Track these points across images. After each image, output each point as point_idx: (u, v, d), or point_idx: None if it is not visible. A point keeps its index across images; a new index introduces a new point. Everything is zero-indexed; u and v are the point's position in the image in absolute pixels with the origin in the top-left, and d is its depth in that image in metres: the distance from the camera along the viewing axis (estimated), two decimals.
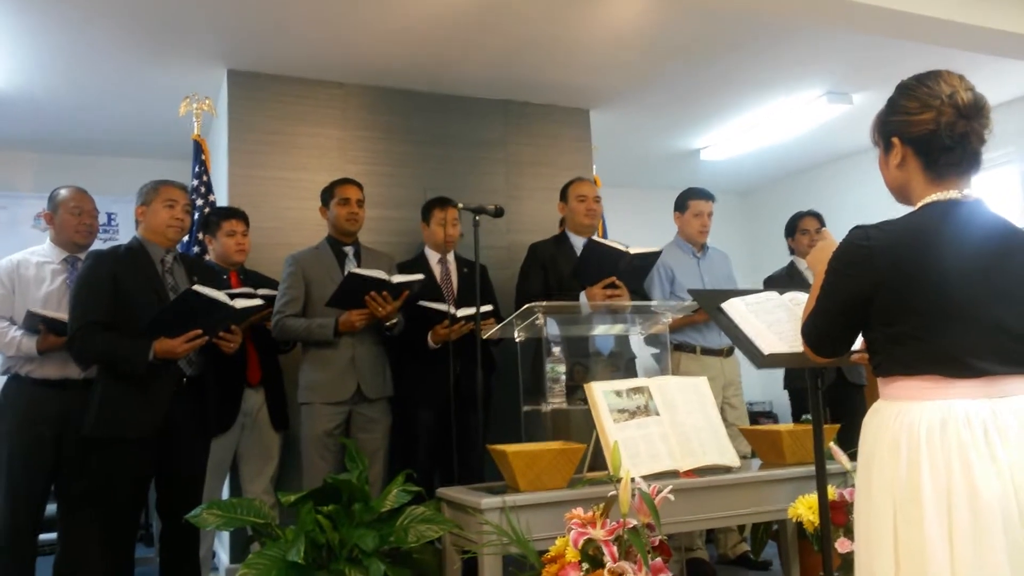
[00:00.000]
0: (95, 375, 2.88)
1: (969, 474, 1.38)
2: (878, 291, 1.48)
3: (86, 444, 2.77)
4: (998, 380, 1.44)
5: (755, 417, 5.70)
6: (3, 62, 3.96)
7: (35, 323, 3.11)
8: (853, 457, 2.61)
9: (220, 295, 2.74)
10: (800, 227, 4.29)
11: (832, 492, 2.40)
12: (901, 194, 1.62)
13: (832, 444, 2.65)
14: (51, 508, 3.28)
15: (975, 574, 1.35)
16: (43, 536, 3.27)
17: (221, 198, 4.21)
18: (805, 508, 2.45)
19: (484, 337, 3.22)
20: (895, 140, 1.57)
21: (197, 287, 2.68)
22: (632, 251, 3.39)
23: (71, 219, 3.31)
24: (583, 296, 3.43)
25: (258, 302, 3.04)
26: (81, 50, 3.89)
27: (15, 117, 4.68)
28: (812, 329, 1.62)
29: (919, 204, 1.56)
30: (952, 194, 1.53)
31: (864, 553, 1.50)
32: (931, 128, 1.51)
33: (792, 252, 4.35)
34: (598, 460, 2.59)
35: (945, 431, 1.41)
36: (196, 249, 3.90)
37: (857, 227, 1.54)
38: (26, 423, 3.13)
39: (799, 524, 2.53)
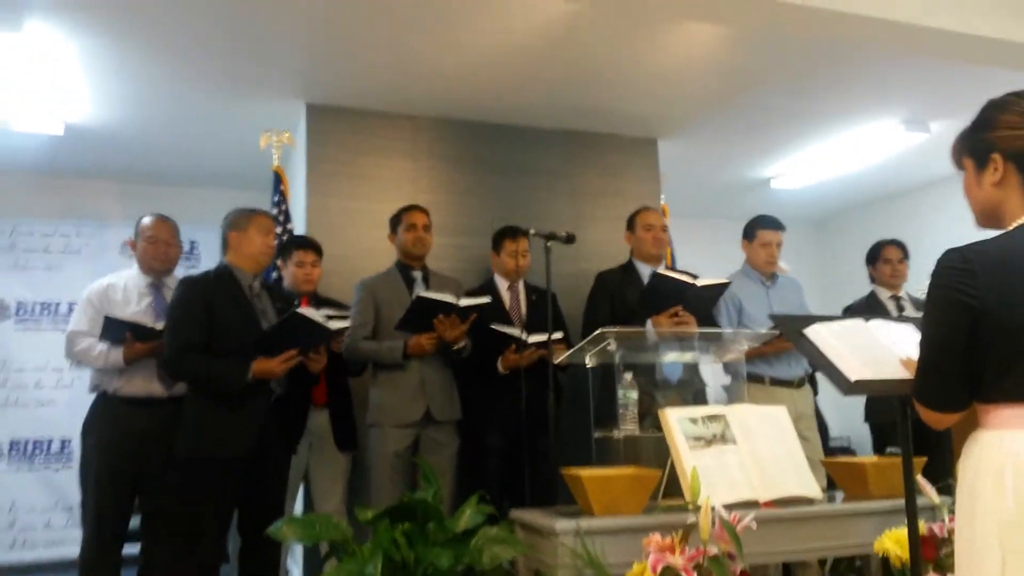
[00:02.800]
0: (183, 394, 2.98)
1: None
2: (981, 316, 1.42)
3: (176, 462, 2.85)
4: None
5: (832, 452, 5.51)
6: (92, 97, 4.20)
7: (119, 332, 3.23)
8: (940, 491, 2.52)
9: (320, 317, 2.84)
10: (883, 256, 4.17)
11: (921, 526, 2.30)
12: (990, 215, 1.56)
13: (919, 477, 2.54)
14: (135, 522, 3.39)
15: None
16: (127, 549, 3.37)
17: (299, 227, 4.35)
18: (892, 542, 2.35)
19: (555, 363, 3.22)
20: (995, 156, 1.52)
21: (301, 310, 2.79)
22: (699, 283, 3.37)
23: (148, 247, 3.46)
24: (649, 324, 3.41)
25: (346, 324, 3.13)
26: (167, 85, 4.10)
27: (103, 149, 4.94)
28: (922, 382, 1.54)
29: (1014, 224, 1.50)
30: None
31: None
32: None
33: (872, 281, 4.23)
34: (672, 488, 2.55)
35: None
36: (275, 275, 4.03)
37: (951, 250, 1.48)
38: (114, 439, 3.24)
39: (885, 559, 2.43)
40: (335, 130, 4.40)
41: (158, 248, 3.47)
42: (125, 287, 3.47)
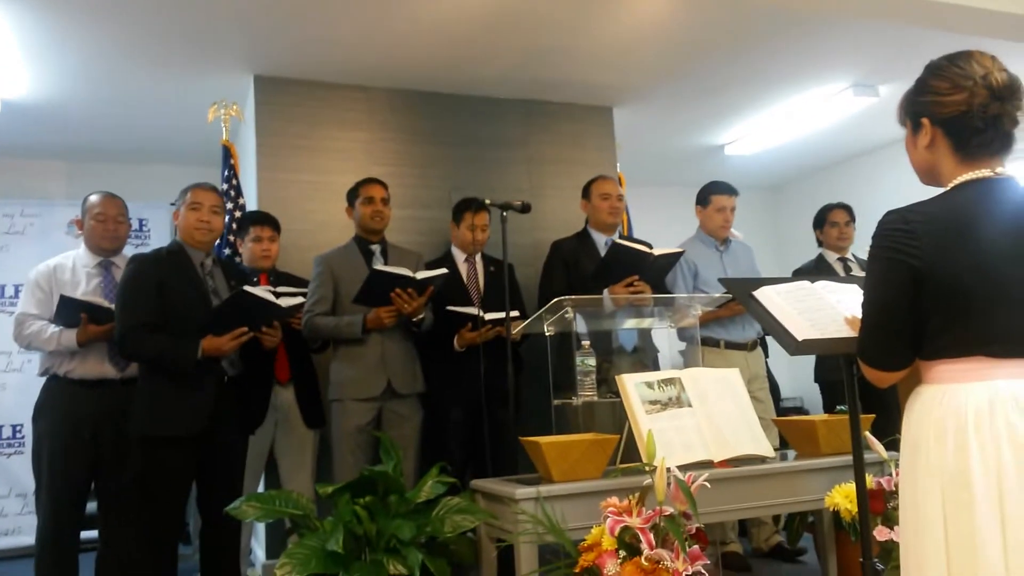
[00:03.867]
0: (137, 374, 2.94)
1: (1020, 456, 1.36)
2: (922, 275, 1.45)
3: (130, 442, 2.82)
4: None
5: (785, 412, 5.62)
6: (32, 72, 4.05)
7: (73, 314, 3.16)
8: (887, 447, 2.61)
9: (269, 295, 2.81)
10: (829, 219, 4.26)
11: (869, 481, 2.38)
12: (929, 175, 1.60)
13: (867, 434, 2.63)
14: (91, 506, 3.35)
15: None
16: (85, 534, 3.33)
17: (251, 202, 4.27)
18: (842, 497, 2.44)
19: (511, 338, 3.22)
20: (924, 121, 1.55)
21: (248, 288, 2.74)
22: (656, 252, 3.40)
23: (96, 225, 3.37)
24: (606, 293, 3.44)
25: (300, 300, 3.09)
26: (110, 59, 3.97)
27: (46, 126, 4.78)
28: (866, 342, 1.56)
29: (951, 184, 1.53)
30: (984, 172, 1.51)
31: (912, 539, 1.48)
32: (963, 109, 1.49)
33: (820, 244, 4.32)
34: (630, 453, 2.59)
35: (993, 413, 1.39)
36: (227, 251, 3.96)
37: (891, 211, 1.51)
38: (66, 422, 3.18)
39: (835, 513, 2.51)
40: (285, 102, 4.31)
41: (107, 226, 3.38)
42: (73, 267, 3.38)
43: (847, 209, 4.27)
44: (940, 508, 1.41)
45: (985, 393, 1.41)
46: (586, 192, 3.95)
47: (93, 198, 3.42)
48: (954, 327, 1.45)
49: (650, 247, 3.48)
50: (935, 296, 1.45)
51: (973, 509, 1.37)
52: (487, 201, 3.33)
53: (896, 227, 1.48)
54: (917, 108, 1.57)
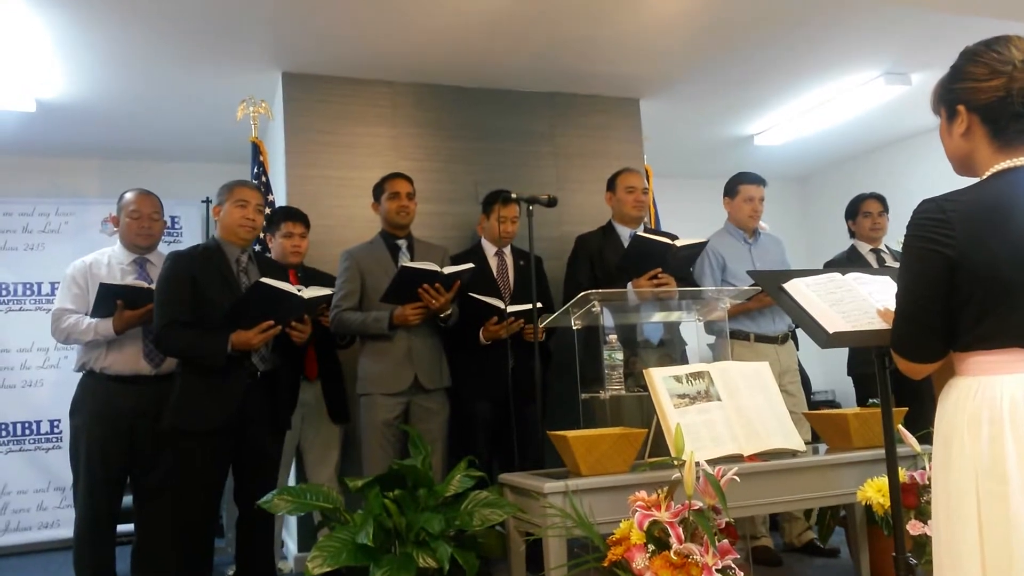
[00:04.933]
0: (173, 370, 2.99)
1: None
2: (958, 265, 1.42)
3: (163, 436, 2.87)
4: None
5: (817, 406, 5.58)
6: (65, 72, 4.12)
7: (111, 302, 3.20)
8: (921, 440, 2.57)
9: (287, 286, 2.83)
10: (862, 210, 4.17)
11: (902, 474, 2.35)
12: (964, 164, 1.57)
13: (900, 427, 2.59)
14: (128, 500, 3.41)
15: None
16: (121, 527, 3.40)
17: (280, 198, 4.32)
18: (874, 491, 2.40)
19: (537, 332, 3.21)
20: (960, 108, 1.52)
21: (264, 279, 2.76)
22: (679, 243, 3.38)
23: (131, 223, 3.43)
24: (630, 286, 3.42)
25: (326, 291, 3.11)
26: (141, 58, 4.02)
27: (79, 125, 4.86)
28: (901, 334, 1.53)
29: (987, 173, 1.50)
30: (1022, 160, 1.47)
31: (944, 531, 1.46)
32: (1000, 95, 1.45)
33: (852, 235, 4.24)
34: (659, 447, 2.58)
35: None
36: (258, 247, 4.01)
37: (926, 200, 1.48)
38: (102, 417, 3.25)
39: (868, 508, 2.48)
40: (313, 98, 4.34)
41: (141, 224, 3.44)
42: (108, 264, 3.45)
43: (880, 199, 4.20)
44: (974, 501, 1.39)
45: (1021, 384, 1.39)
46: (611, 184, 3.93)
47: (128, 195, 3.48)
48: (989, 318, 1.42)
49: (675, 239, 3.45)
50: (970, 287, 1.43)
51: (1008, 501, 1.35)
52: (513, 194, 3.33)
53: (931, 216, 1.46)
54: (953, 95, 1.53)
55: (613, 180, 3.93)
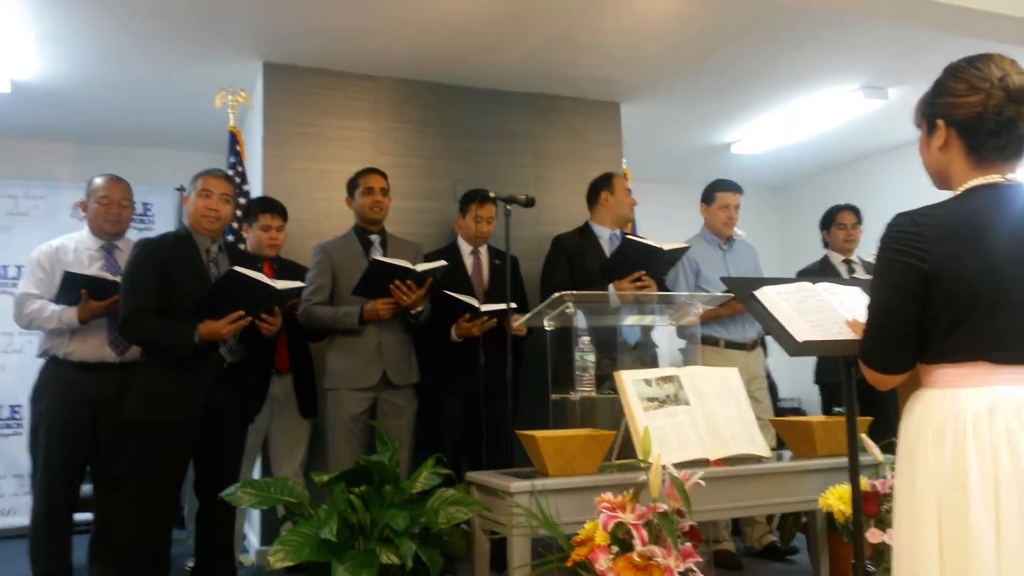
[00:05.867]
0: (138, 358, 2.94)
1: (1018, 462, 1.36)
2: (930, 278, 1.44)
3: (126, 426, 2.83)
4: None
5: (783, 413, 5.63)
6: (42, 54, 4.05)
7: (75, 290, 3.16)
8: (884, 450, 2.60)
9: (260, 276, 2.80)
10: (837, 221, 4.22)
11: (864, 483, 2.38)
12: (940, 178, 1.59)
13: (864, 436, 2.62)
14: (87, 488, 3.36)
15: (1021, 563, 1.33)
16: (79, 516, 3.34)
17: (256, 189, 4.27)
18: (836, 498, 2.43)
19: (511, 331, 3.21)
20: (939, 122, 1.54)
21: (238, 268, 2.72)
22: (665, 247, 3.40)
23: (100, 208, 3.38)
24: (611, 288, 3.43)
25: (299, 284, 3.08)
26: (119, 43, 3.97)
27: (54, 108, 4.78)
28: (869, 344, 1.55)
29: (961, 188, 1.53)
30: (995, 178, 1.50)
31: (906, 541, 1.48)
32: (978, 111, 1.47)
33: (826, 246, 4.29)
34: (627, 449, 2.59)
35: (993, 418, 1.39)
36: (231, 238, 3.96)
37: (900, 214, 1.50)
38: (64, 404, 3.19)
39: (829, 515, 2.51)
40: (293, 89, 4.31)
41: (110, 209, 3.38)
42: (76, 249, 3.39)
43: (854, 211, 4.25)
44: (935, 511, 1.41)
45: (985, 398, 1.41)
46: (607, 184, 3.90)
47: (98, 181, 3.42)
48: (958, 331, 1.44)
49: (657, 245, 3.47)
50: (941, 300, 1.45)
51: (968, 513, 1.37)
52: (491, 194, 3.33)
53: (906, 230, 1.48)
54: (933, 109, 1.56)
55: (610, 182, 3.89)
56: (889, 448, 2.62)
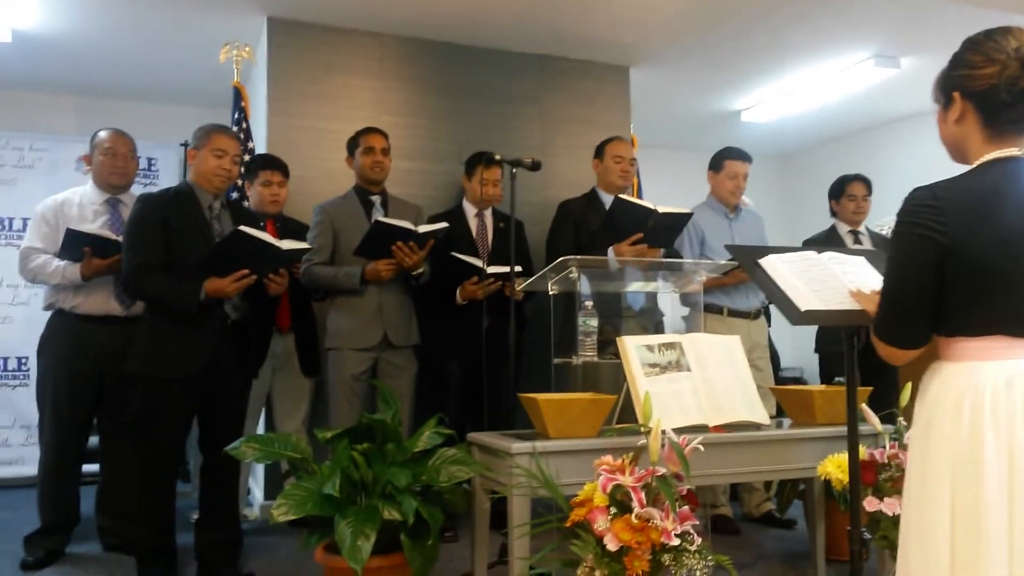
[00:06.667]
0: (141, 312, 2.95)
1: None
2: (949, 252, 1.44)
3: (131, 379, 2.85)
4: None
5: (784, 382, 5.65)
6: (44, 3, 4.00)
7: (78, 248, 3.16)
8: (883, 420, 2.62)
9: (266, 236, 2.80)
10: (848, 191, 4.15)
11: (863, 452, 2.40)
12: (957, 151, 1.58)
13: (864, 406, 2.64)
14: (94, 440, 3.40)
15: None
16: (86, 467, 3.39)
17: (260, 146, 4.25)
18: (834, 467, 2.45)
19: (513, 295, 3.22)
20: (955, 95, 1.52)
21: (244, 228, 2.72)
22: (661, 210, 3.38)
23: (105, 161, 3.37)
24: (611, 252, 3.43)
25: (304, 245, 3.09)
26: None
27: (56, 59, 4.74)
28: (885, 318, 1.55)
29: (977, 162, 1.52)
30: (1012, 151, 1.49)
31: (915, 511, 1.49)
32: (994, 83, 1.46)
33: (834, 215, 4.25)
34: (627, 414, 2.61)
35: (1011, 391, 1.40)
36: (236, 195, 3.95)
37: (919, 188, 1.50)
38: (70, 357, 3.22)
39: (827, 483, 2.54)
40: (298, 45, 4.26)
41: (115, 162, 3.37)
42: (80, 203, 3.39)
43: (866, 182, 4.20)
44: (949, 482, 1.43)
45: (1004, 371, 1.42)
46: (599, 152, 3.92)
47: (102, 134, 3.41)
48: (976, 305, 1.45)
49: (655, 207, 3.45)
50: (959, 273, 1.45)
51: (982, 486, 1.38)
52: (497, 156, 3.31)
53: (925, 203, 1.47)
54: (950, 82, 1.55)
55: (602, 147, 3.91)
56: (888, 419, 2.65)
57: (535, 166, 3.22)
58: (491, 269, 3.50)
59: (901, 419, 2.54)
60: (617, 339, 2.64)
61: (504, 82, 4.68)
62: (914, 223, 1.47)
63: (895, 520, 2.21)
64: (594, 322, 2.94)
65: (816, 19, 4.32)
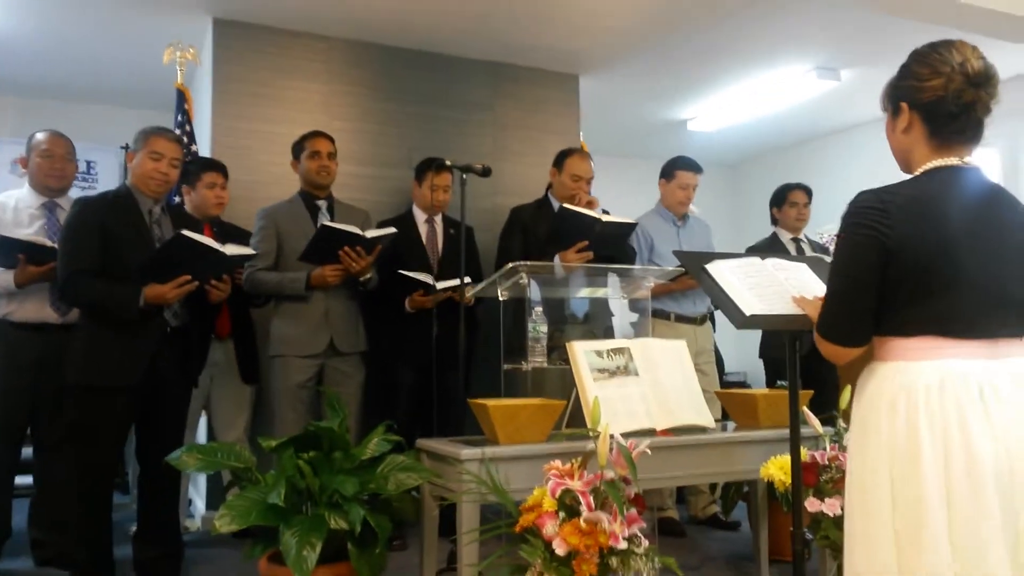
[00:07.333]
0: (76, 320, 2.86)
1: (967, 433, 1.41)
2: (892, 253, 1.48)
3: (67, 389, 2.75)
4: (996, 343, 1.48)
5: (729, 386, 5.76)
6: None
7: (11, 254, 3.06)
8: (824, 423, 2.68)
9: (210, 241, 2.74)
10: (789, 199, 4.25)
11: (804, 454, 2.45)
12: (904, 160, 1.64)
13: (805, 409, 2.69)
14: (27, 451, 3.28)
15: (970, 531, 1.38)
16: (19, 479, 3.27)
17: (204, 149, 4.16)
18: (777, 469, 2.50)
19: (463, 300, 3.21)
20: (903, 105, 1.58)
21: (186, 232, 2.66)
22: (605, 219, 3.41)
23: (42, 163, 3.26)
24: (557, 259, 3.45)
25: (248, 251, 3.03)
26: None
27: None
28: (828, 316, 1.58)
29: (920, 170, 1.58)
30: (953, 160, 1.56)
31: (858, 512, 1.52)
32: (939, 94, 1.52)
33: (775, 223, 4.36)
34: (577, 419, 2.62)
35: (944, 391, 1.43)
36: (177, 199, 3.86)
37: (865, 191, 1.54)
38: (4, 366, 3.11)
39: (770, 484, 2.58)
40: (244, 47, 4.20)
41: (53, 164, 3.27)
42: (16, 207, 3.27)
43: (807, 191, 4.31)
44: (888, 482, 1.46)
45: (936, 371, 1.45)
46: (559, 162, 3.85)
47: (40, 136, 3.31)
48: (912, 305, 1.49)
49: (600, 215, 3.48)
50: (900, 274, 1.49)
51: (921, 484, 1.41)
52: (448, 162, 3.30)
53: (871, 206, 1.52)
54: (898, 92, 1.60)
55: (562, 159, 3.81)
56: (829, 421, 2.71)
57: (485, 172, 3.22)
58: (440, 285, 3.49)
59: (841, 421, 2.61)
60: (567, 344, 2.66)
61: (455, 88, 4.67)
62: (860, 224, 1.52)
63: (836, 520, 2.26)
64: (544, 328, 2.95)
65: (760, 32, 4.43)
